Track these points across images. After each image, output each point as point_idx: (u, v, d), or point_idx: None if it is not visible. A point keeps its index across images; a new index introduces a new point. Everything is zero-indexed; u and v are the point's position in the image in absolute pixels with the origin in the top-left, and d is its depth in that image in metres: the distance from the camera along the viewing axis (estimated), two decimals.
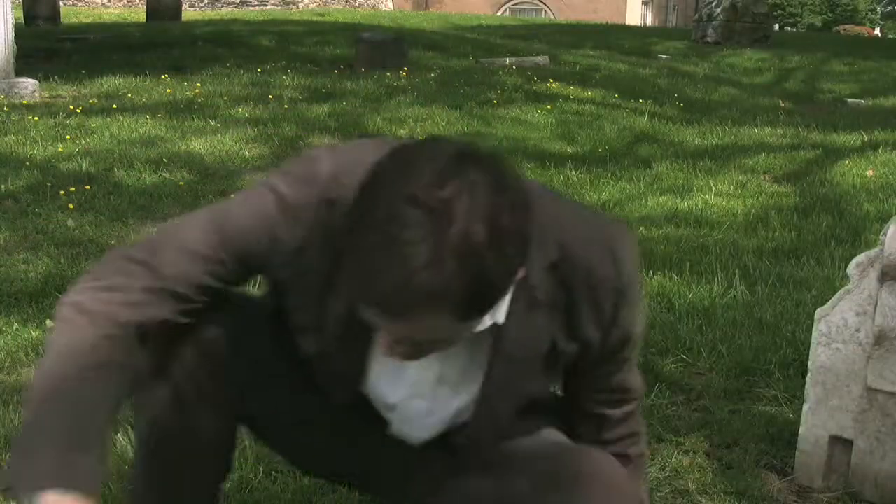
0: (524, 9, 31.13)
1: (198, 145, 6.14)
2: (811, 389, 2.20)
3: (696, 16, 16.08)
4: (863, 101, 9.79)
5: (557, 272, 1.26)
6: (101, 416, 1.17)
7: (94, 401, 1.16)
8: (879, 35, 44.40)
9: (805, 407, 2.22)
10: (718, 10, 14.75)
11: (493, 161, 1.08)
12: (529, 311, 1.26)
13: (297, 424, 1.46)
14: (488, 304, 1.08)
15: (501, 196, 1.04)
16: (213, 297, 1.28)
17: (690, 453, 2.36)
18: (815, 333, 2.18)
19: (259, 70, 9.12)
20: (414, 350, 1.16)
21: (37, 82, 7.88)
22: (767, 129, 7.65)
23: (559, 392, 1.52)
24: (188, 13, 19.79)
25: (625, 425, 1.49)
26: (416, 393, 1.36)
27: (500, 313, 1.22)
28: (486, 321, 1.17)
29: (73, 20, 16.85)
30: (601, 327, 1.31)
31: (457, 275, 1.01)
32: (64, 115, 6.84)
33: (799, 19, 50.44)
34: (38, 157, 5.69)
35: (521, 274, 1.12)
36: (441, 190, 1.01)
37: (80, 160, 5.62)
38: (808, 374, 2.20)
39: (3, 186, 5.09)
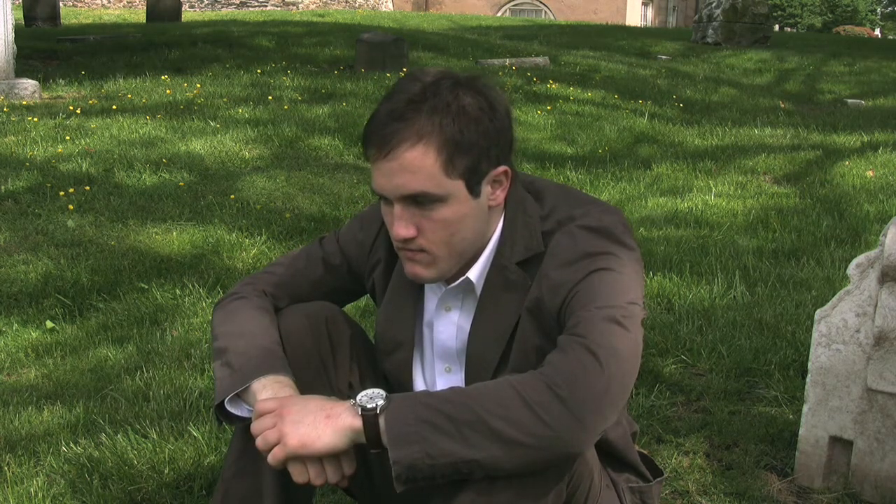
0: (524, 9, 31.15)
1: (198, 146, 6.13)
2: (811, 390, 2.20)
3: (696, 16, 16.10)
4: (863, 102, 9.79)
5: (532, 260, 1.46)
6: (274, 333, 1.56)
7: (267, 325, 1.57)
8: (879, 36, 44.45)
9: (805, 408, 2.22)
10: (718, 10, 14.76)
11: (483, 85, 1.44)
12: (505, 291, 1.48)
13: None
14: (458, 152, 1.37)
15: (475, 95, 1.41)
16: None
17: (690, 454, 2.36)
18: (814, 334, 2.18)
19: (259, 71, 9.12)
20: (415, 214, 1.39)
21: (37, 83, 7.88)
22: (767, 130, 7.65)
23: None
24: (188, 14, 19.82)
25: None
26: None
27: (473, 270, 1.49)
28: (460, 194, 1.40)
29: (73, 21, 16.89)
30: (559, 292, 1.40)
31: (430, 115, 1.36)
32: (64, 115, 6.84)
33: (799, 20, 50.47)
34: (38, 158, 5.68)
35: (500, 168, 1.46)
36: (434, 77, 1.41)
37: (79, 161, 5.62)
38: (808, 375, 2.20)
39: (3, 187, 5.08)
